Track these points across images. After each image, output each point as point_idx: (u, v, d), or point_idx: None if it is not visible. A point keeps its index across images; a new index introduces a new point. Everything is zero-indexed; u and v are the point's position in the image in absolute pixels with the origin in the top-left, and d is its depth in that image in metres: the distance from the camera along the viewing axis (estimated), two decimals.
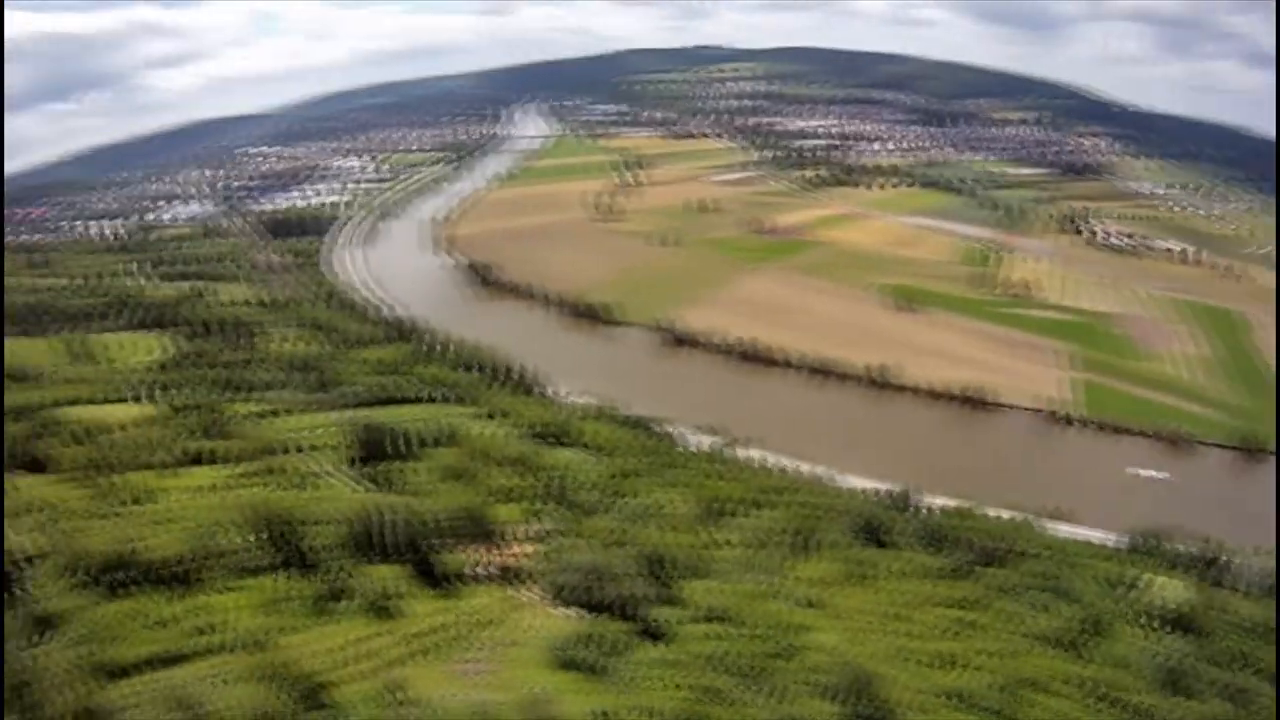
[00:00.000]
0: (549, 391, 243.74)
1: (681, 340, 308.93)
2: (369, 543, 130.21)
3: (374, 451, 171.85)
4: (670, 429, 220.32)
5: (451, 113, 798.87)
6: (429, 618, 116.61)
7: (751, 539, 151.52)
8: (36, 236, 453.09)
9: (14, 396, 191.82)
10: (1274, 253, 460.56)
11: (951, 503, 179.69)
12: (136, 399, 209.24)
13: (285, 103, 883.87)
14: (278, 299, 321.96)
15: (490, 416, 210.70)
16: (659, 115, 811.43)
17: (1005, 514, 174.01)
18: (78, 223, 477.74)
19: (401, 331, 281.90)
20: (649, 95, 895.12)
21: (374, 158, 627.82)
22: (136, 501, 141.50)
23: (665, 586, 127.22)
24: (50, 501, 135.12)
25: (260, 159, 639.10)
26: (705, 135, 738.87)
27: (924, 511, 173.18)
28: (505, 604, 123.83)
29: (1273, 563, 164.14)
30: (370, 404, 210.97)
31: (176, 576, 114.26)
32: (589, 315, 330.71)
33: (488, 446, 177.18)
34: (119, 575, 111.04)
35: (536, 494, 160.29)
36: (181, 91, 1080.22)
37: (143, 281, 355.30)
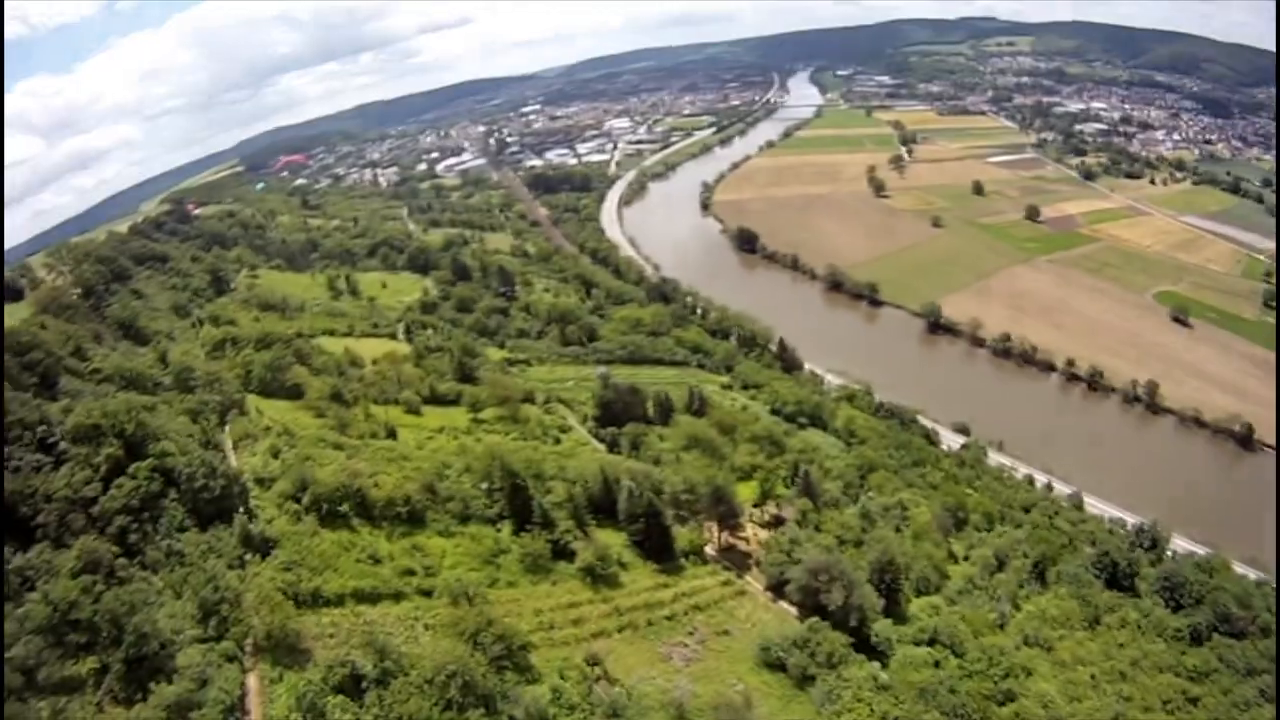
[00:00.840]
0: (805, 368, 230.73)
1: (942, 328, 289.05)
2: (601, 506, 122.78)
3: (621, 412, 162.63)
4: (922, 422, 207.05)
5: (721, 78, 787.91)
6: (646, 592, 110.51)
7: (989, 558, 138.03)
8: (300, 180, 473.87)
9: (273, 324, 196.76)
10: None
11: (1200, 550, 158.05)
12: (392, 336, 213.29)
13: (556, 65, 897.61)
14: (542, 251, 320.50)
15: (743, 388, 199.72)
16: (932, 89, 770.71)
17: (1254, 574, 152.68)
18: (352, 171, 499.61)
19: (662, 293, 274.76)
20: (921, 67, 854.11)
21: (643, 120, 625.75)
22: (374, 436, 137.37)
23: (892, 599, 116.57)
24: (290, 427, 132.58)
25: (531, 117, 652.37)
26: (980, 112, 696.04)
27: (1170, 556, 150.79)
28: (725, 589, 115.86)
29: None
30: (624, 362, 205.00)
31: (399, 515, 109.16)
32: (851, 292, 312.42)
33: (736, 420, 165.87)
34: (342, 507, 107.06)
35: (779, 476, 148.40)
36: (452, 53, 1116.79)
37: (411, 226, 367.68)
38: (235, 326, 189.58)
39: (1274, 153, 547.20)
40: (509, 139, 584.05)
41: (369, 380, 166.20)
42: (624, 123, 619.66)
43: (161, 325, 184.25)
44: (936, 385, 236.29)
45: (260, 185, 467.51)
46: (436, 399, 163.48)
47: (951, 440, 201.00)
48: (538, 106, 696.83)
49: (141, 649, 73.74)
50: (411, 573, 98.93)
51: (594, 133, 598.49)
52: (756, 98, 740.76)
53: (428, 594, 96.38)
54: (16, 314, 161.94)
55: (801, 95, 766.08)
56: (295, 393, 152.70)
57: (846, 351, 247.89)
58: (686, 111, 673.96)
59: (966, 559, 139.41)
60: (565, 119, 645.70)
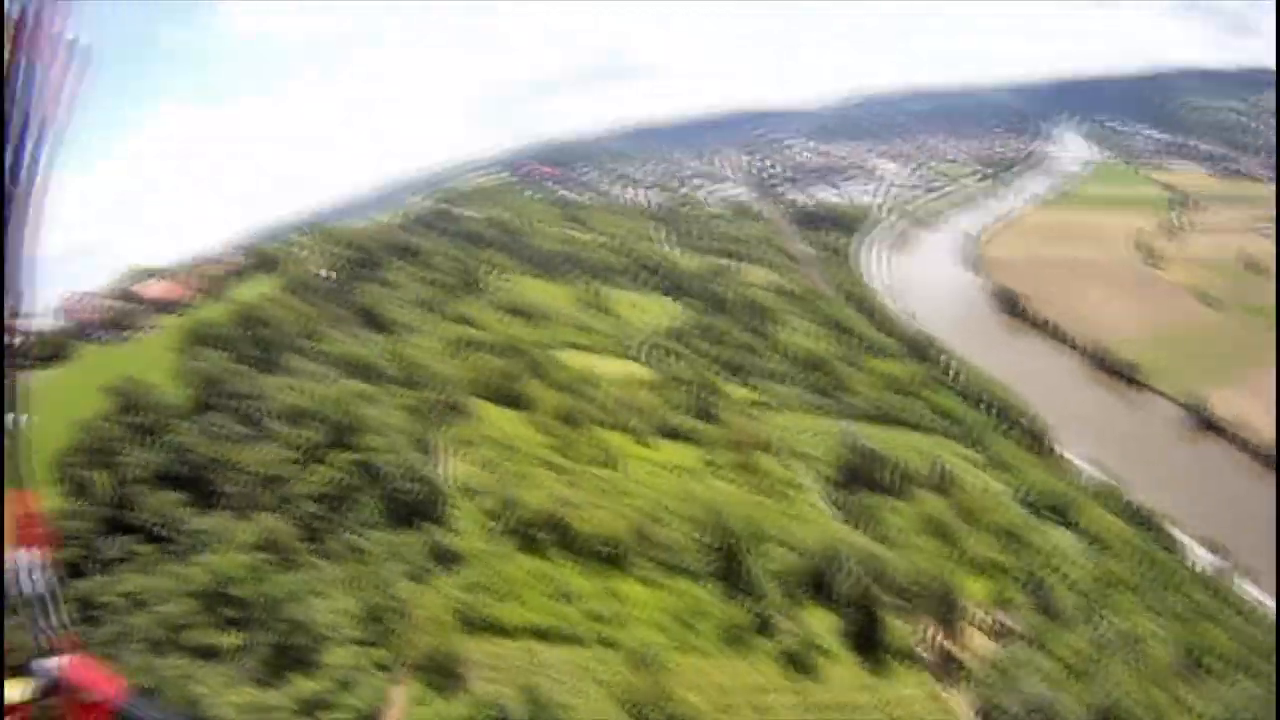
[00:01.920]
0: (1056, 451, 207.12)
1: (1209, 425, 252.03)
2: (817, 581, 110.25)
3: (859, 476, 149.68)
4: (1174, 533, 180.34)
5: (990, 124, 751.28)
6: (843, 691, 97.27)
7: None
8: (565, 192, 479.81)
9: (519, 330, 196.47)
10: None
11: None
12: (635, 359, 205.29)
13: (826, 99, 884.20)
14: (799, 290, 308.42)
15: (991, 467, 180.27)
16: (1207, 147, 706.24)
17: None
18: (615, 188, 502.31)
19: (917, 348, 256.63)
20: (1198, 123, 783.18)
21: (910, 163, 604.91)
22: (596, 463, 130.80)
23: None
24: (510, 440, 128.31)
25: (798, 151, 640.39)
26: (1258, 177, 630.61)
27: None
28: (931, 704, 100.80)
29: None
30: (871, 420, 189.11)
31: (602, 554, 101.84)
32: (1112, 371, 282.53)
33: (978, 505, 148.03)
34: (544, 533, 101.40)
35: (1014, 578, 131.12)
36: (721, 80, 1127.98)
37: (668, 249, 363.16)
38: (477, 328, 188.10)
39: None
40: (774, 170, 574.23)
41: (602, 402, 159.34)
42: (891, 164, 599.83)
43: (404, 318, 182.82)
44: (1192, 490, 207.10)
45: (529, 193, 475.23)
46: (669, 432, 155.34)
47: (1199, 555, 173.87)
48: (806, 140, 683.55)
49: (290, 638, 73.83)
50: (600, 618, 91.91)
51: (860, 172, 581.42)
52: (1024, 146, 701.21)
53: (611, 645, 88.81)
54: (260, 288, 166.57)
55: (1070, 147, 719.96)
56: (524, 404, 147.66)
57: (1101, 438, 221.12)
58: (953, 157, 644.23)
59: (1198, 717, 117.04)
60: (833, 155, 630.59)
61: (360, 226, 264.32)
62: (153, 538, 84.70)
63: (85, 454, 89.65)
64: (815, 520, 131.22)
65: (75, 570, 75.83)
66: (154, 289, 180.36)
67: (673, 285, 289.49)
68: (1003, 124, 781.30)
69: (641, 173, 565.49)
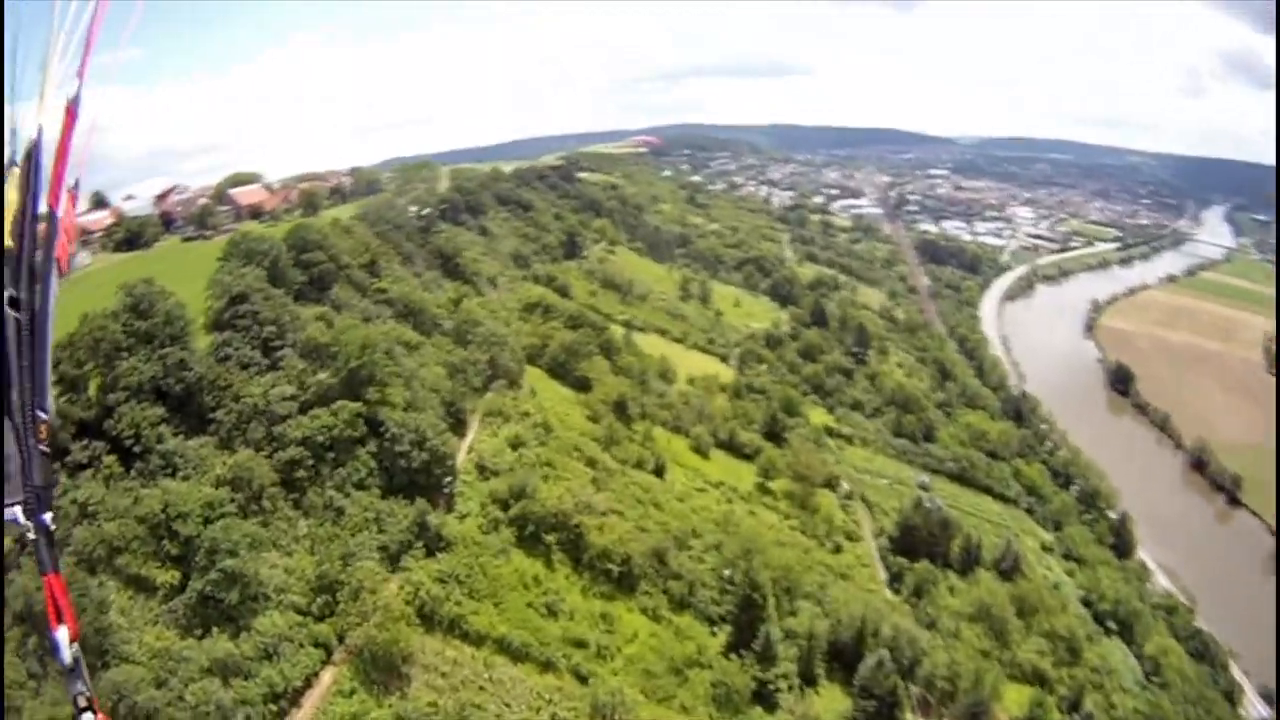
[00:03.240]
0: (1136, 553, 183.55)
1: None
2: (841, 655, 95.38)
3: (923, 539, 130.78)
4: (1236, 677, 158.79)
5: (1135, 192, 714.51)
6: None
7: None
8: (696, 177, 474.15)
9: (604, 303, 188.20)
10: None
11: None
12: (724, 359, 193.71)
13: (972, 135, 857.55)
14: (910, 321, 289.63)
15: (1065, 557, 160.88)
16: None
17: None
18: (749, 183, 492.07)
19: (1017, 410, 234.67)
20: None
21: (1047, 214, 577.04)
22: (640, 466, 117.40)
23: None
24: (552, 422, 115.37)
25: (937, 181, 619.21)
26: None
27: None
28: None
29: None
30: (951, 477, 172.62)
31: (609, 572, 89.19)
32: (1212, 479, 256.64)
33: (1040, 601, 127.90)
34: (552, 535, 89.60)
35: (1057, 695, 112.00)
36: (873, 95, 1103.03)
37: (787, 253, 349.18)
38: (560, 294, 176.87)
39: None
40: (910, 196, 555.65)
41: (668, 398, 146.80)
42: (1028, 212, 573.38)
43: (487, 269, 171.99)
44: (1264, 633, 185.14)
45: (666, 173, 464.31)
46: (731, 446, 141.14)
47: (1255, 709, 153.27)
48: (945, 172, 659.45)
49: (225, 590, 67.48)
50: (581, 645, 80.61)
51: (995, 214, 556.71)
52: (1167, 221, 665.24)
53: (583, 679, 77.56)
54: (336, 214, 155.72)
55: (1213, 231, 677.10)
56: (583, 385, 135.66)
57: (1184, 549, 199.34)
58: (1092, 218, 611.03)
59: None
60: (970, 192, 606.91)
61: (475, 170, 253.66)
62: (123, 451, 76.20)
63: (84, 349, 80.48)
64: (861, 582, 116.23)
65: None
66: (247, 195, 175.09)
67: (782, 291, 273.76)
68: (1149, 193, 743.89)
69: (778, 173, 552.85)
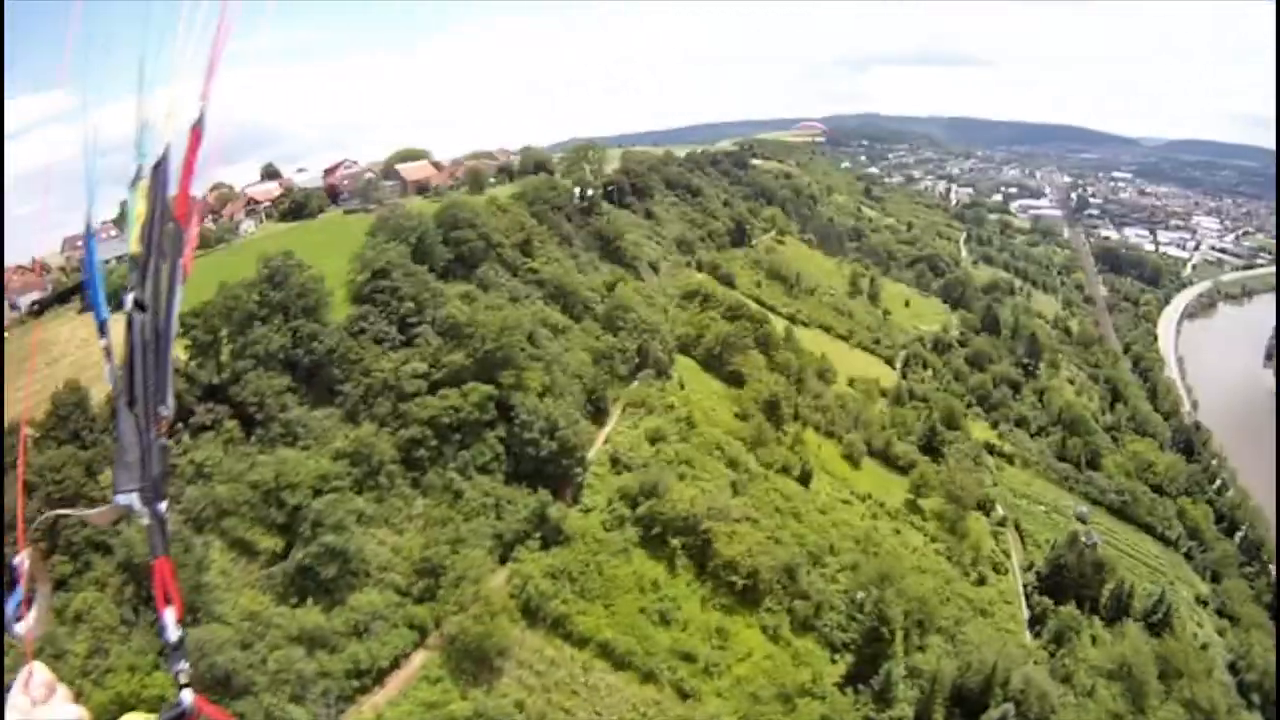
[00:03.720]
0: None
1: None
2: (964, 699, 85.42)
3: (1069, 581, 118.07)
4: None
5: None
6: None
7: None
8: (874, 169, 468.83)
9: (769, 295, 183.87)
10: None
11: None
12: (889, 361, 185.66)
13: (1157, 137, 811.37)
14: (1083, 334, 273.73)
15: (1219, 613, 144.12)
16: None
17: None
18: (927, 178, 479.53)
19: (1188, 442, 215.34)
20: None
21: (1232, 227, 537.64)
22: (784, 470, 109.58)
23: None
24: (698, 417, 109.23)
25: (1120, 184, 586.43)
26: None
27: None
28: None
29: None
30: (1111, 511, 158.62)
31: (733, 584, 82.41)
32: None
33: (1186, 663, 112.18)
34: (678, 539, 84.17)
35: None
36: (1057, 89, 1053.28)
37: (963, 253, 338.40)
38: (723, 283, 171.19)
39: None
40: (1092, 199, 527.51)
41: (825, 400, 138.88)
42: (1212, 223, 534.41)
43: (651, 254, 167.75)
44: None
45: (845, 164, 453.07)
46: (885, 456, 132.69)
47: None
48: (1129, 175, 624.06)
49: (321, 565, 66.43)
50: (690, 659, 75.38)
51: (1179, 223, 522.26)
52: None
53: (685, 695, 72.88)
54: (500, 193, 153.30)
55: None
56: (736, 379, 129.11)
57: None
58: None
59: None
60: (1154, 198, 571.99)
61: (647, 153, 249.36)
62: (246, 418, 76.58)
63: (218, 317, 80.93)
64: (1000, 621, 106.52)
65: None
66: (414, 170, 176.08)
67: (954, 293, 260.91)
68: None
69: (957, 168, 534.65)
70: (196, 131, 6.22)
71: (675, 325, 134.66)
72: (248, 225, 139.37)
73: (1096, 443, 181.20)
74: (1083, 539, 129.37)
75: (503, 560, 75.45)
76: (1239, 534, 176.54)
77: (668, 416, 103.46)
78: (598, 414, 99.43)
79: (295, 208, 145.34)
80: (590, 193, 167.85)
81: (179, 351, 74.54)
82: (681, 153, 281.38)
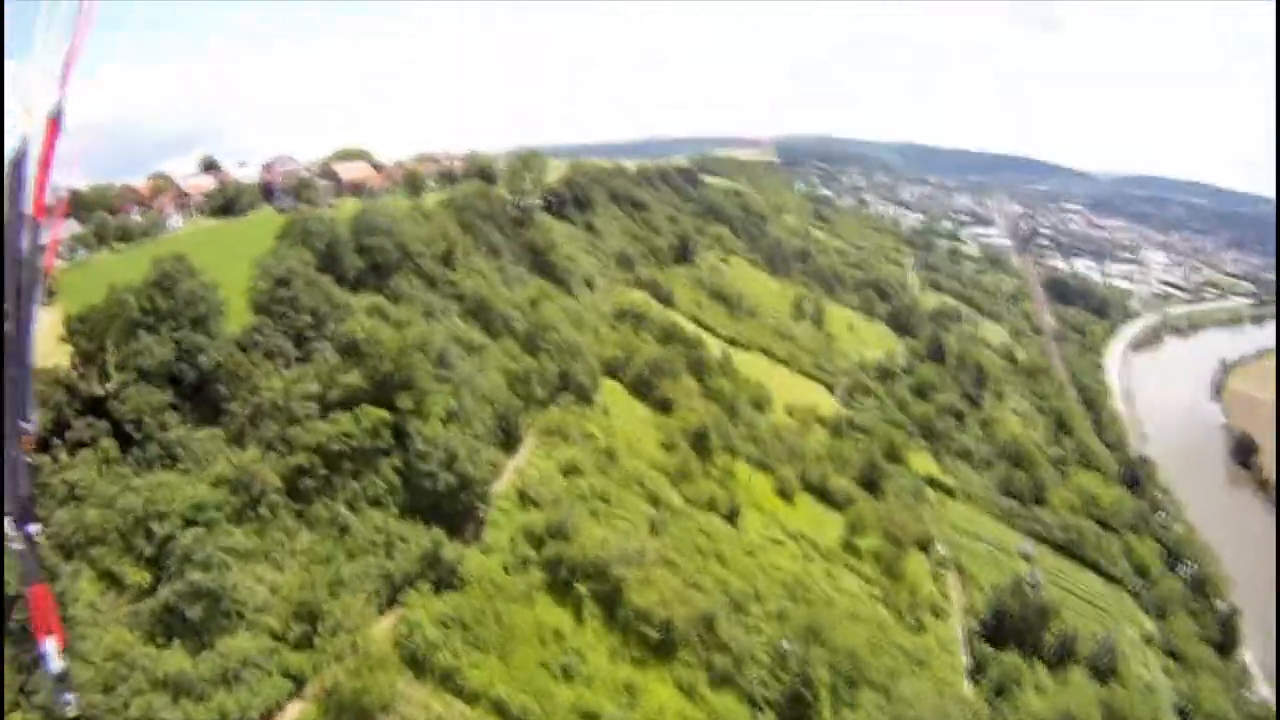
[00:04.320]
0: (1243, 657, 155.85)
1: None
2: None
3: (1015, 624, 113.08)
4: None
5: (1269, 244, 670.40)
6: None
7: None
8: (826, 191, 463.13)
9: (709, 315, 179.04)
10: None
11: None
12: (830, 388, 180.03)
13: (1107, 171, 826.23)
14: (1030, 363, 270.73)
15: (1170, 655, 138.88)
16: None
17: None
18: (878, 202, 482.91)
19: (1133, 475, 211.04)
20: None
21: (1180, 261, 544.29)
22: (707, 506, 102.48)
23: None
24: (618, 447, 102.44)
25: (1071, 216, 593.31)
26: None
27: None
28: None
29: None
30: (1057, 548, 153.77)
31: (646, 636, 75.77)
32: None
33: (1130, 710, 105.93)
34: (586, 585, 77.13)
35: None
36: (1006, 122, 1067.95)
37: (910, 278, 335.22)
38: (660, 301, 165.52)
39: None
40: (1042, 229, 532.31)
41: (758, 429, 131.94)
42: (1161, 257, 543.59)
43: (587, 267, 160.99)
44: None
45: (799, 185, 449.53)
46: (821, 491, 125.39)
47: None
48: (1080, 207, 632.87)
49: (187, 604, 59.37)
50: (593, 717, 68.07)
51: (1127, 256, 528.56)
52: None
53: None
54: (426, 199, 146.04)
55: None
56: (664, 406, 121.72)
57: None
58: (1227, 268, 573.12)
59: None
60: (1103, 230, 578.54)
61: (596, 165, 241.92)
62: (124, 435, 68.23)
63: (103, 323, 72.75)
64: (939, 670, 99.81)
65: (42, 442, 62.08)
66: (351, 170, 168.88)
67: (901, 319, 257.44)
68: None
69: (909, 193, 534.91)
70: (54, 124, 6.96)
71: (605, 346, 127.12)
72: (175, 220, 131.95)
73: (1042, 476, 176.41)
74: (1027, 580, 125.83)
75: (390, 603, 67.54)
76: (1183, 569, 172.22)
77: (586, 446, 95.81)
78: (509, 442, 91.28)
79: (226, 204, 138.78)
80: (526, 203, 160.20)
81: (62, 359, 69.61)
82: (633, 166, 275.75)
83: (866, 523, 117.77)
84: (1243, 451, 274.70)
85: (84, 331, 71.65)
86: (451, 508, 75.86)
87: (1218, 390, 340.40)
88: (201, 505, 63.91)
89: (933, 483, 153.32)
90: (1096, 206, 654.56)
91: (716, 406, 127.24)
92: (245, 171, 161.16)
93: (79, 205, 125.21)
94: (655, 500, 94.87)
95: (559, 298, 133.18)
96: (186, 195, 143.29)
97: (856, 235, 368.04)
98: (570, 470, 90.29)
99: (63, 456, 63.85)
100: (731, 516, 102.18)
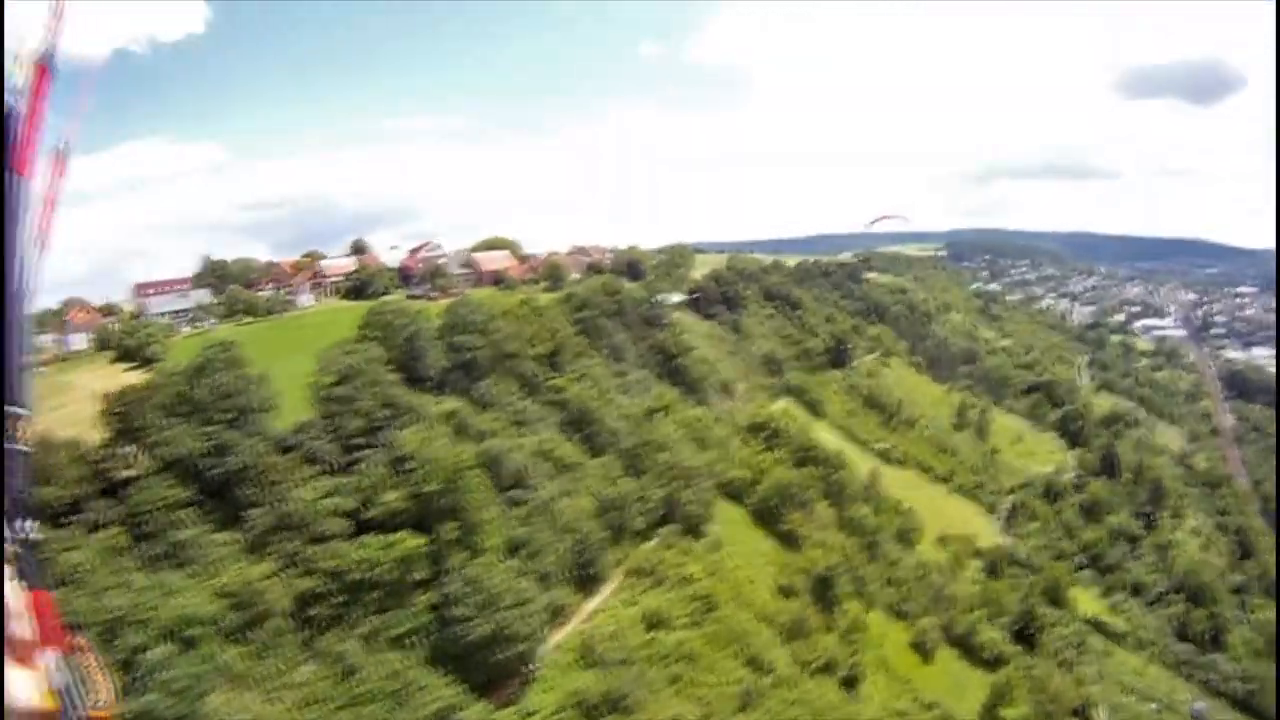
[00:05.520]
0: None
1: None
2: None
3: None
4: None
5: None
6: None
7: None
8: (994, 285, 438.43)
9: (859, 426, 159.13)
10: None
11: None
12: (990, 509, 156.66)
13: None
14: (1210, 473, 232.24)
15: None
16: None
17: None
18: (1048, 295, 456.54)
19: None
20: None
21: None
22: (829, 669, 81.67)
23: None
24: (722, 592, 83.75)
25: (1245, 300, 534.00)
26: None
27: None
28: None
29: None
30: (1233, 701, 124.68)
31: None
32: None
33: None
34: None
35: None
36: (1181, 204, 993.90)
37: (1083, 379, 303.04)
38: (807, 410, 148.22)
39: None
40: (1216, 318, 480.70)
41: (901, 572, 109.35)
42: None
43: (727, 372, 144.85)
44: None
45: (975, 285, 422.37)
46: (966, 646, 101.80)
47: None
48: (1255, 289, 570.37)
49: None
50: None
51: None
52: None
53: None
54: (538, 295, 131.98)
55: None
56: (788, 539, 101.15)
57: None
58: None
59: None
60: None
61: (751, 259, 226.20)
62: (138, 526, 59.94)
63: (153, 404, 65.23)
64: None
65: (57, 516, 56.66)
66: (491, 260, 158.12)
67: (1072, 427, 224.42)
68: None
69: (1079, 285, 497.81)
70: (43, 69, 5.79)
71: (731, 465, 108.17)
72: (306, 299, 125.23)
73: (1222, 613, 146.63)
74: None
75: None
76: None
77: (681, 591, 78.03)
78: (588, 581, 75.15)
79: (359, 286, 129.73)
80: (663, 300, 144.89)
81: (94, 434, 63.57)
82: (791, 262, 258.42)
83: (1015, 688, 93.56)
84: None
85: (120, 411, 64.51)
86: (488, 659, 60.76)
87: None
88: (191, 619, 54.02)
89: (1099, 627, 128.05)
90: (1270, 287, 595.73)
91: (855, 539, 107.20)
92: (395, 255, 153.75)
93: (217, 275, 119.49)
94: (755, 663, 75.32)
95: (685, 408, 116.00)
96: (322, 275, 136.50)
97: (1026, 333, 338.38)
98: (655, 621, 72.88)
99: (75, 535, 57.12)
100: (851, 682, 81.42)
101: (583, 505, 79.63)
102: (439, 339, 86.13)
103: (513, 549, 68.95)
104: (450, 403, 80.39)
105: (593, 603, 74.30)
